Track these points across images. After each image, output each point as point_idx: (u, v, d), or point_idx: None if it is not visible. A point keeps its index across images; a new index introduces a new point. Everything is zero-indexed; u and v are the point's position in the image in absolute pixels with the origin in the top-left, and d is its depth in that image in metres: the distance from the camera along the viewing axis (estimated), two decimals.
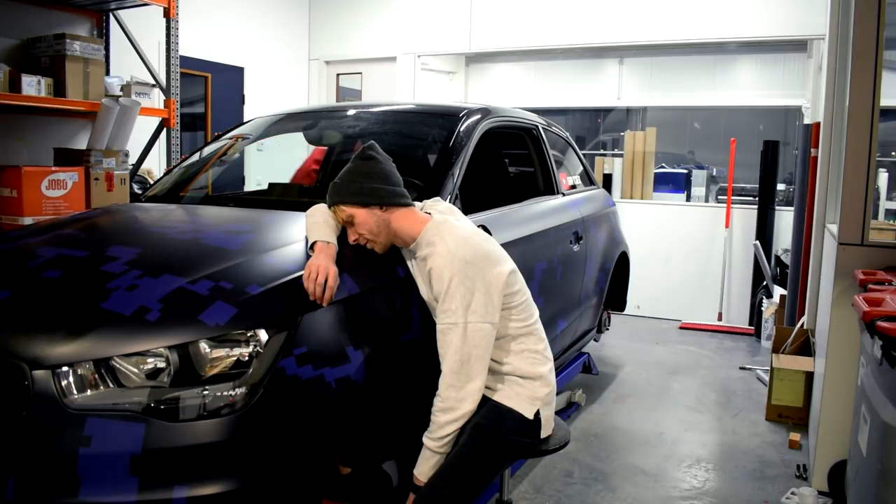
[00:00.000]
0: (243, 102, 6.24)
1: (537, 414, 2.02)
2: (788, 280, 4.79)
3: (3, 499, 1.55)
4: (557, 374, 2.37)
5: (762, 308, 5.30)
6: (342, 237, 2.05)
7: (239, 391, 1.65)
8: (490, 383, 2.02)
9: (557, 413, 2.24)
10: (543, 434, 2.07)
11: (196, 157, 3.25)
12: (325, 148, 3.46)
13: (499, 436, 1.93)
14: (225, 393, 1.64)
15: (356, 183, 2.01)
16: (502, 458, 1.98)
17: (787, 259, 5.16)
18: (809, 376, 3.53)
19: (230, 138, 3.24)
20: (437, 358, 1.93)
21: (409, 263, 2.10)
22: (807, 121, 5.58)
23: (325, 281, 1.81)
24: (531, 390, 2.02)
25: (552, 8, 5.96)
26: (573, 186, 3.96)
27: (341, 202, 2.01)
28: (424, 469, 1.92)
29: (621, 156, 6.43)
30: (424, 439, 1.92)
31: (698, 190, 6.22)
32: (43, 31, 3.86)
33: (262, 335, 1.71)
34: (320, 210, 2.11)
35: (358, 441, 1.97)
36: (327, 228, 2.02)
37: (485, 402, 1.98)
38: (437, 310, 1.92)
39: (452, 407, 1.89)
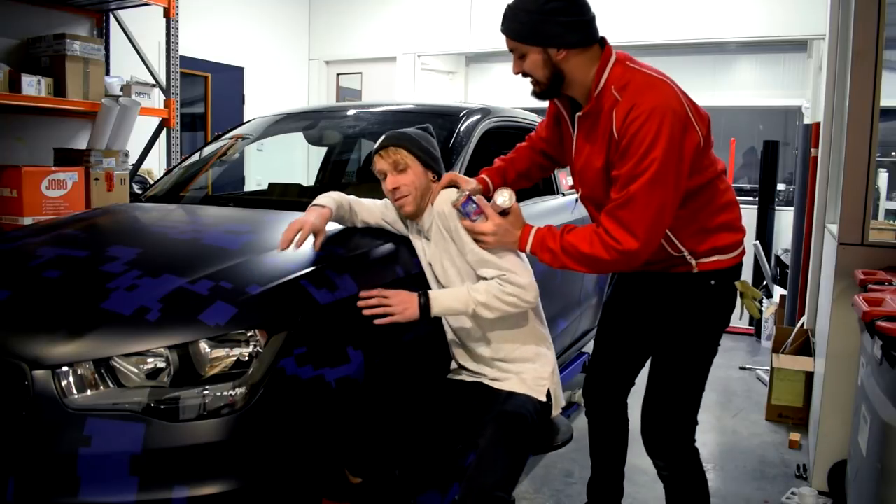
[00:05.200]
0: (243, 102, 6.24)
1: (548, 395, 2.01)
2: (788, 280, 4.79)
3: (3, 499, 1.55)
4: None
5: (762, 308, 5.31)
6: (342, 237, 2.05)
7: (239, 391, 1.65)
8: (495, 374, 2.01)
9: None
10: (555, 412, 2.06)
11: (196, 157, 3.25)
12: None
13: (522, 419, 1.88)
14: (225, 393, 1.64)
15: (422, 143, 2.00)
16: (529, 441, 1.93)
17: (787, 259, 5.16)
18: (809, 376, 3.53)
19: (230, 138, 3.24)
20: (437, 358, 1.92)
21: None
22: (807, 121, 5.58)
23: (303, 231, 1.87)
24: (535, 372, 2.01)
25: None
26: (573, 186, 3.96)
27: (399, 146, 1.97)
28: (445, 306, 1.89)
29: None
30: (471, 292, 1.88)
31: None
32: (43, 31, 3.86)
33: (262, 335, 1.71)
34: (334, 192, 2.14)
35: (367, 449, 1.94)
36: (330, 199, 2.05)
37: (496, 394, 1.97)
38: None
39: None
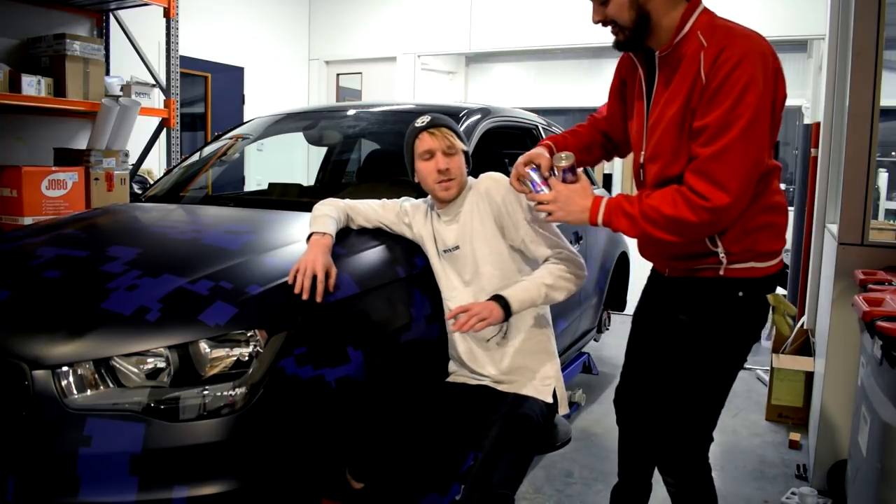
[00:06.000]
0: (243, 102, 6.24)
1: (554, 394, 2.01)
2: (788, 280, 4.79)
3: (3, 499, 1.55)
4: None
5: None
6: (342, 237, 2.05)
7: (239, 391, 1.65)
8: (500, 377, 2.01)
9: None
10: (561, 411, 2.07)
11: (196, 157, 3.25)
12: None
13: (529, 420, 1.90)
14: (225, 393, 1.64)
15: None
16: (536, 441, 1.93)
17: (787, 259, 5.16)
18: (809, 376, 3.53)
19: (230, 138, 3.24)
20: (436, 359, 1.92)
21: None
22: (807, 121, 5.58)
23: (318, 277, 1.80)
24: (542, 372, 2.01)
25: (552, 8, 5.96)
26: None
27: None
28: (521, 298, 1.87)
29: None
30: (536, 279, 1.91)
31: None
32: (43, 31, 3.87)
33: (262, 335, 1.71)
34: (330, 201, 2.11)
35: (369, 453, 1.94)
36: (329, 220, 2.01)
37: (502, 396, 1.97)
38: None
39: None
